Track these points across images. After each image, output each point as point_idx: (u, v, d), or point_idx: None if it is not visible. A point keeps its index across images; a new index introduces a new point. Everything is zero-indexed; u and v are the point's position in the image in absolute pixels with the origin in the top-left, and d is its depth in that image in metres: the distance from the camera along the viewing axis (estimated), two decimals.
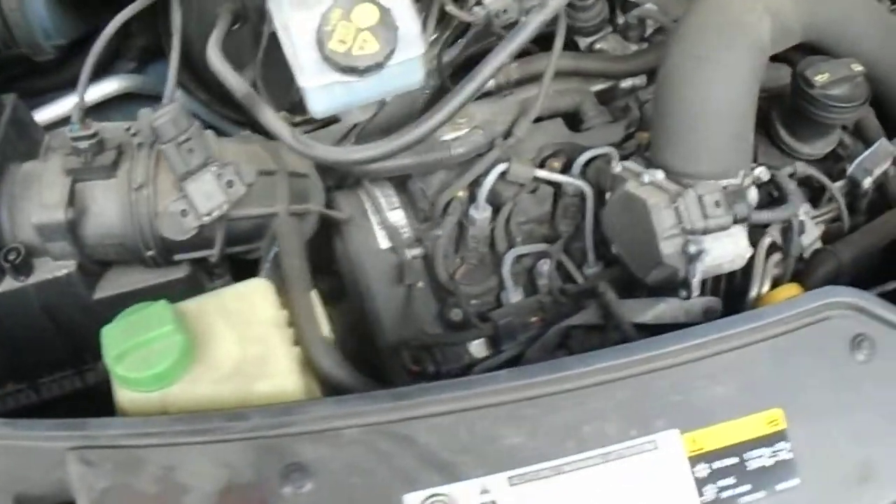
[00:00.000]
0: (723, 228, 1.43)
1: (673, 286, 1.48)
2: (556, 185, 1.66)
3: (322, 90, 1.40)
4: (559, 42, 1.64)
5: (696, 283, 1.45)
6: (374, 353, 1.63)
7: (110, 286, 1.48)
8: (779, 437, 1.18)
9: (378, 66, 1.37)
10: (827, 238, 1.67)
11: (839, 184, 1.71)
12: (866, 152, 1.71)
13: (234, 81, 1.45)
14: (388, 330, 1.61)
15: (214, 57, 1.48)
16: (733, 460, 1.16)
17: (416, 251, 1.62)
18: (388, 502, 1.11)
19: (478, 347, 1.60)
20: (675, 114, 1.51)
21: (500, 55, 1.42)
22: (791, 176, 1.66)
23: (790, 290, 1.50)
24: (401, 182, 1.68)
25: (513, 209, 1.64)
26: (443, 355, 1.58)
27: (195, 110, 1.80)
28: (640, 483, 1.13)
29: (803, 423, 1.20)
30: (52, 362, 1.50)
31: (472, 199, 1.63)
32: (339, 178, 1.69)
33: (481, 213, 1.62)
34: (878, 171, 1.69)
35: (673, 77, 1.52)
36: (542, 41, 1.69)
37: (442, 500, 1.11)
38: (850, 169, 1.70)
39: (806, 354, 1.24)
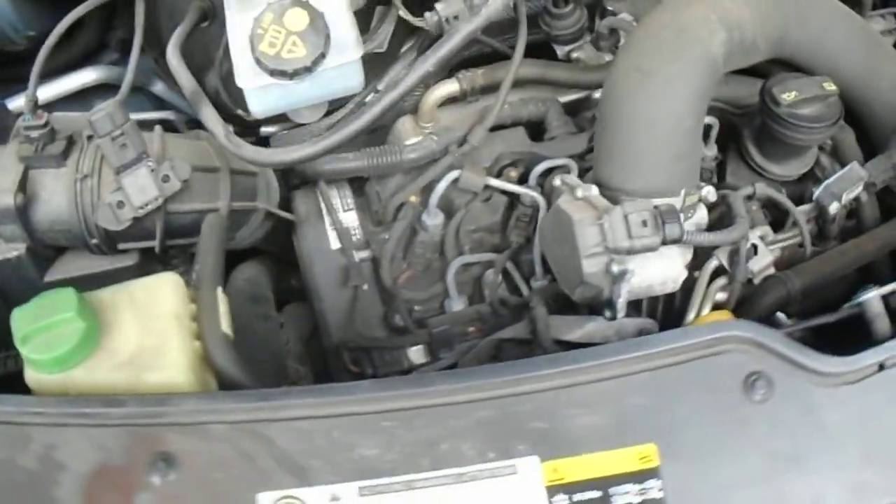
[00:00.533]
0: (649, 249, 1.38)
1: (600, 305, 1.45)
2: (511, 195, 1.65)
3: (258, 91, 1.45)
4: (519, 50, 1.64)
5: (621, 303, 1.42)
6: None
7: (61, 270, 1.53)
8: (650, 474, 1.15)
9: (307, 70, 1.40)
10: (791, 264, 1.62)
11: (805, 207, 1.67)
12: (835, 176, 1.66)
13: (184, 79, 1.50)
14: (333, 330, 1.63)
15: (171, 54, 1.53)
16: (596, 494, 1.13)
17: (365, 254, 1.64)
18: (243, 499, 1.13)
19: (416, 353, 1.61)
20: (614, 128, 1.48)
21: (427, 62, 1.43)
22: (750, 197, 1.62)
23: (720, 317, 1.47)
24: (360, 184, 1.70)
25: (464, 217, 1.64)
26: (381, 359, 1.60)
27: (176, 102, 1.84)
28: None
29: (680, 462, 1.17)
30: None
31: (425, 204, 1.64)
32: (302, 178, 1.72)
33: (433, 220, 1.63)
34: (847, 197, 1.64)
35: (615, 90, 1.49)
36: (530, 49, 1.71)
37: (293, 502, 1.14)
38: (817, 192, 1.65)
39: (693, 389, 1.21)
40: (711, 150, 1.72)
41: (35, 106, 1.49)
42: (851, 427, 1.20)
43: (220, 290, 1.34)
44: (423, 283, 1.64)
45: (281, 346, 1.67)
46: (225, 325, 1.32)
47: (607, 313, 1.44)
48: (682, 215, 1.46)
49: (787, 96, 1.61)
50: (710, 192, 1.52)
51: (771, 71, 1.72)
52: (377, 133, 1.73)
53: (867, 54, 1.70)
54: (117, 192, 1.44)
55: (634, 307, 1.52)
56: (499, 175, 1.67)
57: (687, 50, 1.48)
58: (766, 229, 1.62)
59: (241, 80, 1.43)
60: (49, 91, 1.74)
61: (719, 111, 1.75)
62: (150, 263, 1.57)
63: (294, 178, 1.71)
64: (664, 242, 1.39)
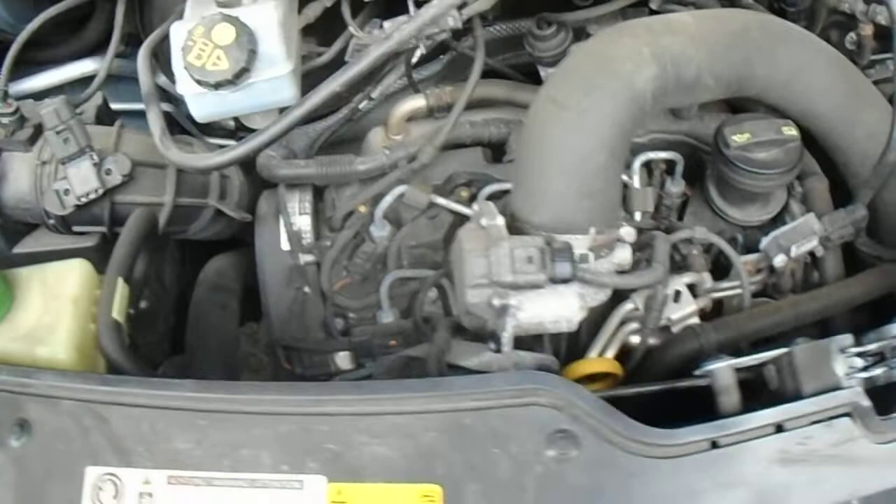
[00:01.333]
0: (534, 286, 1.39)
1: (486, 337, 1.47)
2: (460, 214, 1.69)
3: (196, 98, 1.55)
4: (476, 70, 1.67)
5: (506, 337, 1.41)
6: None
7: (29, 244, 1.67)
8: None
9: (229, 83, 1.50)
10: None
11: (752, 257, 1.64)
12: (786, 227, 1.61)
13: (143, 80, 1.63)
14: (274, 327, 1.72)
15: (141, 54, 1.66)
16: None
17: (310, 257, 1.71)
18: (73, 470, 1.23)
19: (343, 359, 1.68)
20: (525, 159, 1.49)
21: (335, 82, 1.49)
22: (689, 241, 1.61)
23: (600, 364, 1.48)
24: (322, 190, 1.78)
25: (407, 232, 1.69)
26: (310, 360, 1.69)
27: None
28: None
29: None
30: None
31: (372, 215, 1.70)
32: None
33: (379, 231, 1.69)
34: (797, 250, 1.59)
35: (530, 119, 1.49)
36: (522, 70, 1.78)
37: (113, 480, 1.24)
38: (764, 242, 1.61)
39: (492, 437, 1.19)
40: (677, 187, 1.71)
41: (5, 95, 1.66)
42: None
43: (121, 279, 1.46)
44: (360, 292, 1.70)
45: (233, 335, 1.77)
46: (117, 313, 1.44)
47: (492, 345, 1.45)
48: (589, 255, 1.46)
49: (739, 138, 1.58)
50: (628, 233, 1.50)
51: (753, 109, 1.69)
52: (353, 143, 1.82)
53: (845, 99, 1.63)
54: (63, 180, 1.59)
55: (538, 342, 1.53)
56: (451, 194, 1.71)
57: (607, 83, 1.45)
58: (702, 276, 1.59)
59: (179, 87, 1.54)
60: (54, 77, 1.92)
61: (690, 147, 1.73)
62: (109, 245, 1.70)
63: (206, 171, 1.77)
64: (553, 280, 1.39)
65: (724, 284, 1.62)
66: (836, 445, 1.21)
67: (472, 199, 1.70)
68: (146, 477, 1.21)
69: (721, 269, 1.65)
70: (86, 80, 1.90)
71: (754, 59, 1.55)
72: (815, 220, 1.60)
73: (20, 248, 1.68)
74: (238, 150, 1.50)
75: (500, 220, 1.46)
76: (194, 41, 1.48)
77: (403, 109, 1.74)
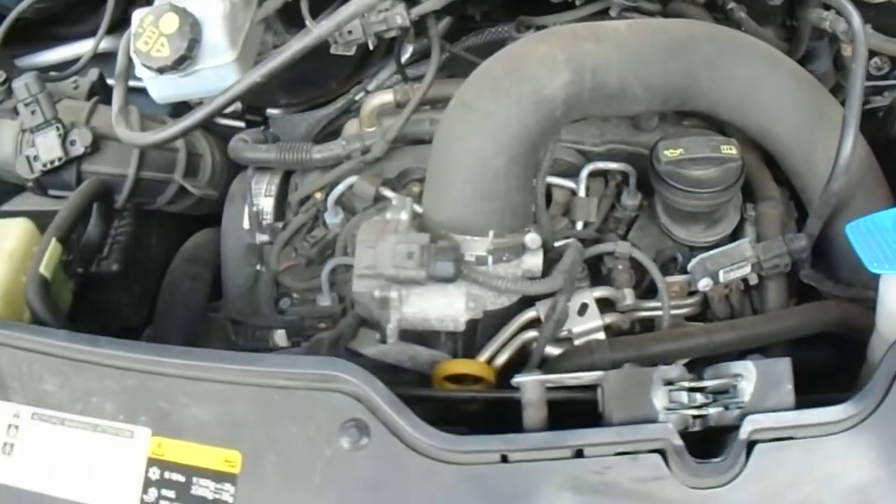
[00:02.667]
0: (414, 281, 1.44)
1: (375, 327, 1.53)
2: None
3: (152, 81, 1.68)
4: (432, 68, 1.73)
5: (390, 329, 1.48)
6: None
7: (16, 203, 1.88)
8: (227, 477, 1.24)
9: (171, 69, 1.63)
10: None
11: (679, 278, 1.64)
12: (715, 250, 1.60)
13: (119, 59, 1.78)
14: (229, 300, 1.84)
15: (123, 38, 1.83)
16: (181, 478, 1.25)
17: (265, 238, 1.83)
18: None
19: (281, 337, 1.77)
20: (434, 158, 1.54)
21: (254, 73, 1.58)
22: (611, 254, 1.64)
23: (470, 366, 1.51)
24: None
25: (355, 222, 1.77)
26: (252, 335, 1.82)
27: None
28: (108, 459, 1.29)
29: (258, 478, 1.24)
30: None
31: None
32: None
33: (331, 218, 1.78)
34: (726, 275, 1.58)
35: (443, 119, 1.54)
36: None
37: None
38: (691, 263, 1.60)
39: (292, 416, 1.25)
40: (632, 200, 1.73)
41: None
42: None
43: (54, 239, 1.63)
44: (305, 274, 1.79)
45: (199, 303, 1.91)
46: (44, 268, 1.58)
47: (377, 336, 1.53)
48: (488, 257, 1.51)
49: (671, 153, 1.57)
50: (532, 240, 1.53)
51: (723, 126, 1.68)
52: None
53: (805, 121, 1.60)
54: (32, 147, 1.78)
55: (436, 338, 1.59)
56: (403, 188, 1.77)
57: (514, 87, 1.47)
58: (624, 292, 1.61)
59: (138, 70, 1.68)
60: (68, 52, 2.11)
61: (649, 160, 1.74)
62: None
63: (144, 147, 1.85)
64: (434, 278, 1.45)
65: (650, 304, 1.62)
66: (639, 481, 1.19)
67: (423, 194, 1.76)
68: (15, 410, 1.34)
69: (655, 287, 1.64)
70: (104, 56, 2.07)
71: (699, 72, 1.54)
72: (748, 247, 1.57)
73: (6, 207, 1.88)
74: (166, 131, 1.63)
75: (404, 215, 1.52)
76: (143, 28, 1.61)
77: (373, 103, 1.82)
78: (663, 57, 1.52)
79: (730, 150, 1.56)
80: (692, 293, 1.63)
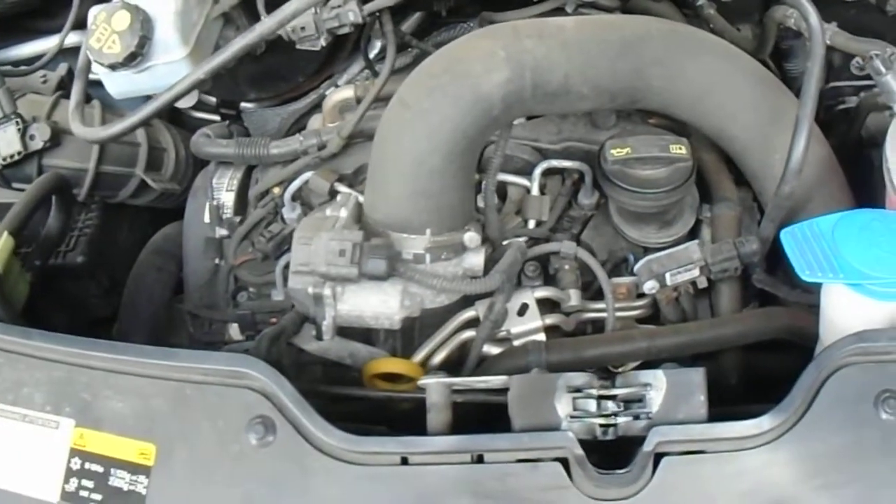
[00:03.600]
0: (346, 279, 1.46)
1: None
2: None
3: (108, 77, 1.72)
4: (387, 65, 1.74)
5: (325, 325, 1.50)
6: None
7: None
8: (142, 469, 1.27)
9: (122, 65, 1.68)
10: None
11: (625, 279, 1.64)
12: (662, 252, 1.59)
13: (81, 55, 1.82)
14: (190, 293, 1.87)
15: (86, 36, 1.87)
16: (100, 469, 1.28)
17: (224, 232, 1.87)
18: None
19: (235, 330, 1.81)
20: (373, 155, 1.54)
21: (199, 71, 1.60)
22: (556, 255, 1.64)
23: (394, 364, 1.53)
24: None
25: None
26: (209, 327, 1.85)
27: None
28: (33, 449, 1.32)
29: (170, 471, 1.27)
30: None
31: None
32: None
33: (289, 213, 1.79)
34: (674, 278, 1.57)
35: (382, 119, 1.54)
36: None
37: None
38: (638, 265, 1.60)
39: (204, 411, 1.28)
40: (588, 199, 1.73)
41: None
42: None
43: (6, 233, 1.67)
44: (261, 269, 1.80)
45: (163, 296, 1.94)
46: None
47: (312, 332, 1.55)
48: (426, 255, 1.53)
49: (617, 152, 1.57)
50: (471, 239, 1.54)
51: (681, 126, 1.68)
52: None
53: (763, 122, 1.58)
54: None
55: (375, 336, 1.61)
56: (359, 184, 1.77)
57: (451, 85, 1.47)
58: (569, 293, 1.61)
59: (94, 66, 1.73)
60: (42, 46, 2.12)
61: None
62: None
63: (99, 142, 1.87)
64: (365, 275, 1.46)
65: (594, 305, 1.61)
66: (539, 490, 1.20)
67: None
68: None
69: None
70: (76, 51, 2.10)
71: (649, 70, 1.52)
72: (697, 250, 1.56)
73: None
74: (114, 127, 1.66)
75: (344, 212, 1.54)
76: (97, 25, 1.65)
77: (334, 98, 1.84)
78: (612, 55, 1.51)
79: (679, 149, 1.55)
80: (640, 295, 1.61)
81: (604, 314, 1.60)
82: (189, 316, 1.82)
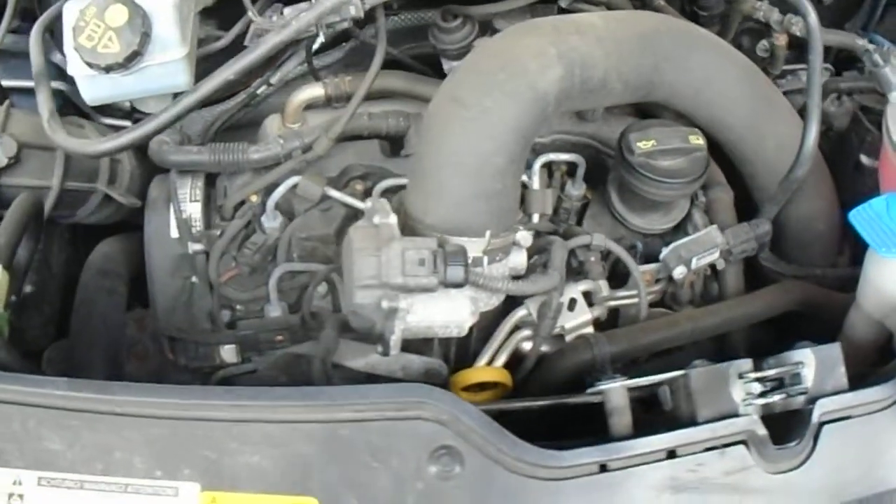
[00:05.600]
0: (426, 289, 1.41)
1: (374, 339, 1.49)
2: (353, 208, 1.72)
3: (87, 80, 1.55)
4: (377, 61, 1.69)
5: (393, 340, 1.43)
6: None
7: None
8: None
9: (120, 66, 1.51)
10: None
11: (651, 267, 1.70)
12: (687, 238, 1.67)
13: (35, 59, 1.61)
14: (160, 316, 1.73)
15: (34, 31, 1.66)
16: None
17: (199, 246, 1.73)
18: None
19: (229, 353, 1.69)
20: (422, 158, 1.50)
21: (228, 70, 1.50)
22: (587, 247, 1.67)
23: (488, 373, 1.52)
24: (216, 177, 1.79)
25: (299, 224, 1.72)
26: (195, 352, 1.71)
27: None
28: None
29: None
30: None
31: (264, 206, 1.72)
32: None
33: (270, 222, 1.71)
34: (698, 262, 1.65)
35: (430, 117, 1.51)
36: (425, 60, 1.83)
37: None
38: (664, 252, 1.66)
39: (372, 451, 1.22)
40: (578, 190, 1.76)
41: None
42: None
43: (0, 267, 1.47)
44: (248, 284, 1.72)
45: (120, 320, 1.79)
46: None
47: (379, 348, 1.47)
48: (483, 258, 1.50)
49: (643, 145, 1.62)
50: (524, 238, 1.54)
51: (659, 113, 1.75)
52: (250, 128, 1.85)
53: (755, 110, 1.68)
54: None
55: (427, 345, 1.57)
56: (345, 187, 1.74)
57: (509, 83, 1.46)
58: (599, 284, 1.64)
59: (70, 68, 1.54)
60: None
61: (593, 150, 1.78)
62: None
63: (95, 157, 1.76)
64: (444, 284, 1.41)
65: (621, 293, 1.67)
66: (728, 474, 1.25)
67: (367, 192, 1.73)
68: (16, 477, 1.22)
69: (618, 276, 1.70)
70: None
71: (663, 64, 1.59)
72: (718, 233, 1.66)
73: None
74: (128, 135, 1.51)
75: (393, 219, 1.48)
76: (86, 21, 1.49)
77: (301, 97, 1.77)
78: (636, 50, 1.56)
79: (696, 140, 1.64)
80: (656, 281, 1.69)
81: (624, 301, 1.67)
82: (167, 340, 1.68)
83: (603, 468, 1.23)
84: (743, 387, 1.32)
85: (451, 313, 1.47)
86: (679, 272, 1.65)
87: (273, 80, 1.92)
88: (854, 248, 1.78)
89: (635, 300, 1.66)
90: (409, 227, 1.50)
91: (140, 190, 1.81)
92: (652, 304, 1.71)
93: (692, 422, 1.31)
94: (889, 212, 1.44)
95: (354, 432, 1.22)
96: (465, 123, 1.47)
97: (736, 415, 1.31)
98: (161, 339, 1.71)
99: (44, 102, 1.56)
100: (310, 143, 1.71)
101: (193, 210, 1.75)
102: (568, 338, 1.60)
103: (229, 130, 1.92)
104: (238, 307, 1.72)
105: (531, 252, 1.60)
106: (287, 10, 1.63)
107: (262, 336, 1.68)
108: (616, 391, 1.35)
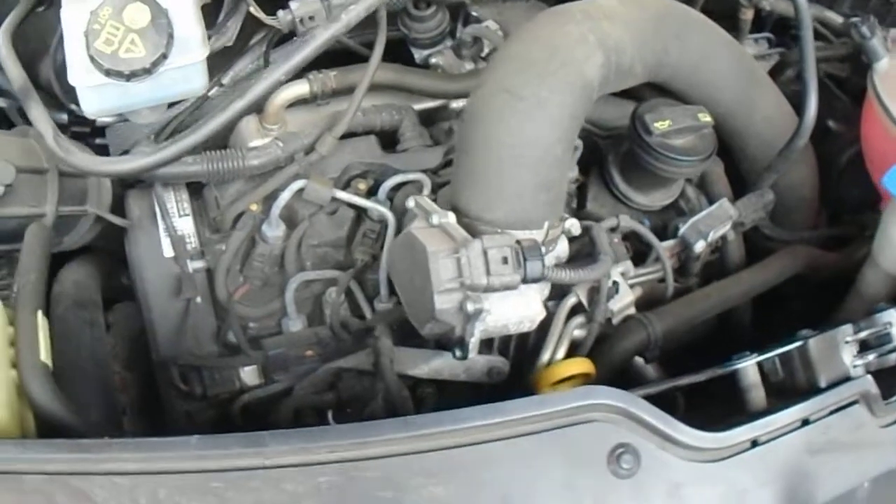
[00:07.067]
0: (509, 287, 1.38)
1: (450, 343, 1.46)
2: (359, 209, 1.66)
3: (93, 91, 1.42)
4: (376, 55, 1.64)
5: (473, 343, 1.41)
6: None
7: None
8: None
9: (145, 72, 1.38)
10: (649, 302, 1.68)
11: (669, 243, 1.73)
12: (703, 212, 1.72)
13: (14, 71, 1.46)
14: (161, 343, 1.62)
15: (1, 41, 1.50)
16: None
17: (199, 264, 1.62)
18: None
19: (250, 374, 1.60)
20: (476, 152, 1.48)
21: (280, 69, 1.43)
22: (613, 230, 1.68)
23: (577, 365, 1.51)
24: (198, 187, 1.68)
25: (307, 230, 1.64)
26: (212, 378, 1.59)
27: (9, 88, 1.75)
28: None
29: None
30: None
31: (267, 214, 1.63)
32: (136, 178, 1.68)
33: (274, 231, 1.62)
34: (714, 235, 1.70)
35: (479, 110, 1.49)
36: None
37: None
38: (683, 228, 1.70)
39: (552, 461, 1.20)
40: (573, 172, 1.76)
41: None
42: None
43: (40, 313, 1.32)
44: (261, 299, 1.64)
45: (107, 354, 1.64)
46: (44, 353, 1.29)
47: (457, 353, 1.43)
48: (543, 250, 1.49)
49: (661, 125, 1.65)
50: (574, 225, 1.55)
51: (640, 93, 1.77)
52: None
53: (744, 86, 1.76)
54: None
55: (486, 344, 1.54)
56: (346, 186, 1.68)
57: (560, 72, 1.47)
58: (628, 265, 1.66)
59: (73, 78, 1.39)
60: None
61: (585, 132, 1.77)
62: None
63: (128, 177, 1.67)
64: (524, 281, 1.39)
65: (644, 270, 1.70)
66: (850, 432, 1.34)
67: (370, 191, 1.69)
68: None
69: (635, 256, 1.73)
70: None
71: (670, 46, 1.64)
72: (730, 206, 1.72)
73: None
74: (170, 149, 1.40)
75: (453, 218, 1.45)
76: (101, 24, 1.36)
77: (284, 96, 1.66)
78: (651, 34, 1.62)
79: (704, 117, 1.69)
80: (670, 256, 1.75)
81: (647, 278, 1.71)
82: (175, 367, 1.57)
83: (754, 443, 1.29)
84: (850, 350, 1.41)
85: (524, 308, 1.45)
86: (700, 246, 1.70)
87: (224, 80, 1.79)
88: (829, 210, 1.92)
89: (655, 276, 1.70)
90: (465, 226, 1.46)
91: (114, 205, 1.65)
92: (660, 280, 1.74)
93: (814, 388, 1.40)
94: None
95: (534, 444, 1.20)
96: (523, 115, 1.46)
97: (848, 377, 1.40)
98: (170, 368, 1.57)
99: (42, 120, 1.43)
100: (310, 143, 1.63)
101: (184, 225, 1.64)
102: (615, 320, 1.61)
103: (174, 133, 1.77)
104: (251, 325, 1.63)
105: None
106: (294, 5, 1.53)
107: (293, 352, 1.59)
108: (749, 368, 1.42)
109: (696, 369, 1.52)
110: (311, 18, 1.54)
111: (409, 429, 1.18)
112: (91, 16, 1.37)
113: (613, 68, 1.54)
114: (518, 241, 1.41)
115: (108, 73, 1.38)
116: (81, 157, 1.40)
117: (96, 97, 1.43)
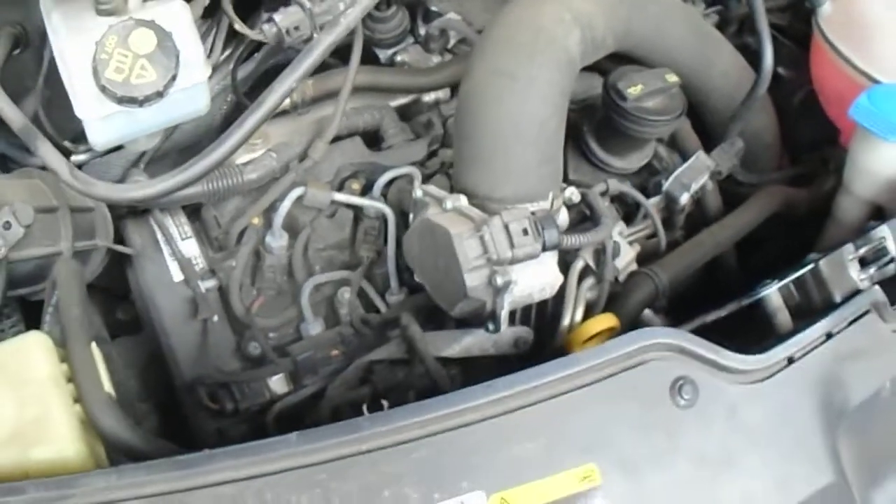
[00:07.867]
0: (531, 257, 1.47)
1: (480, 318, 1.54)
2: (356, 209, 1.73)
3: (102, 122, 1.44)
4: (355, 58, 1.70)
5: (503, 315, 1.50)
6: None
7: None
8: (594, 493, 1.22)
9: (158, 95, 1.41)
10: (642, 257, 1.77)
11: (654, 200, 1.82)
12: (683, 166, 1.82)
13: (11, 113, 1.45)
14: (183, 366, 1.65)
15: None
16: None
17: (211, 283, 1.66)
18: None
19: (278, 383, 1.65)
20: (477, 134, 1.56)
21: (291, 77, 1.46)
22: (603, 194, 1.76)
23: (605, 320, 1.58)
24: (194, 209, 1.72)
25: (310, 235, 1.70)
26: (241, 392, 1.62)
27: None
28: None
29: (620, 477, 1.24)
30: None
31: (268, 226, 1.69)
32: (130, 207, 1.71)
33: (278, 241, 1.68)
34: (695, 186, 1.81)
35: (475, 94, 1.57)
36: (340, 53, 1.76)
37: None
38: (667, 184, 1.81)
39: (622, 403, 1.29)
40: None
41: None
42: (771, 423, 1.34)
43: (94, 344, 1.35)
44: (276, 308, 1.69)
45: (128, 389, 1.67)
46: (106, 384, 1.33)
47: (490, 326, 1.52)
48: None
49: (634, 90, 1.74)
50: (573, 193, 1.63)
51: (599, 64, 1.86)
52: (188, 150, 1.75)
53: (700, 45, 1.89)
54: None
55: (509, 317, 1.60)
56: (340, 188, 1.74)
57: (547, 50, 1.57)
58: (622, 225, 1.76)
59: (81, 111, 1.42)
60: None
61: None
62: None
63: (121, 207, 1.71)
64: (544, 249, 1.48)
65: (635, 229, 1.81)
66: (868, 339, 1.47)
67: (363, 190, 1.76)
68: None
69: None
70: None
71: (633, 15, 1.76)
72: (706, 157, 1.84)
73: None
74: (184, 174, 1.44)
75: (465, 200, 1.53)
76: (109, 53, 1.38)
77: None
78: (618, 5, 1.73)
79: (671, 77, 1.78)
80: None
81: (637, 236, 1.80)
82: (202, 387, 1.60)
83: (790, 360, 1.40)
84: (855, 266, 1.53)
85: (544, 275, 1.55)
86: (685, 199, 1.81)
87: None
88: (789, 152, 2.06)
89: (643, 233, 1.80)
90: (476, 206, 1.54)
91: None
92: (649, 237, 1.83)
93: (830, 304, 1.52)
94: (889, 101, 1.67)
95: (602, 391, 1.28)
96: (519, 94, 1.55)
97: (858, 290, 1.52)
98: (197, 389, 1.60)
99: (54, 157, 1.44)
100: (302, 151, 1.69)
101: (189, 248, 1.69)
102: (620, 277, 1.70)
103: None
104: (271, 334, 1.68)
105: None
106: (278, 17, 1.58)
107: (319, 355, 1.65)
108: (773, 294, 1.56)
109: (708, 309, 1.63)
110: (296, 29, 1.59)
111: (487, 394, 1.24)
112: (97, 46, 1.38)
113: (590, 42, 1.65)
114: (533, 213, 1.50)
115: (120, 100, 1.39)
116: (104, 187, 1.43)
117: (105, 128, 1.46)
